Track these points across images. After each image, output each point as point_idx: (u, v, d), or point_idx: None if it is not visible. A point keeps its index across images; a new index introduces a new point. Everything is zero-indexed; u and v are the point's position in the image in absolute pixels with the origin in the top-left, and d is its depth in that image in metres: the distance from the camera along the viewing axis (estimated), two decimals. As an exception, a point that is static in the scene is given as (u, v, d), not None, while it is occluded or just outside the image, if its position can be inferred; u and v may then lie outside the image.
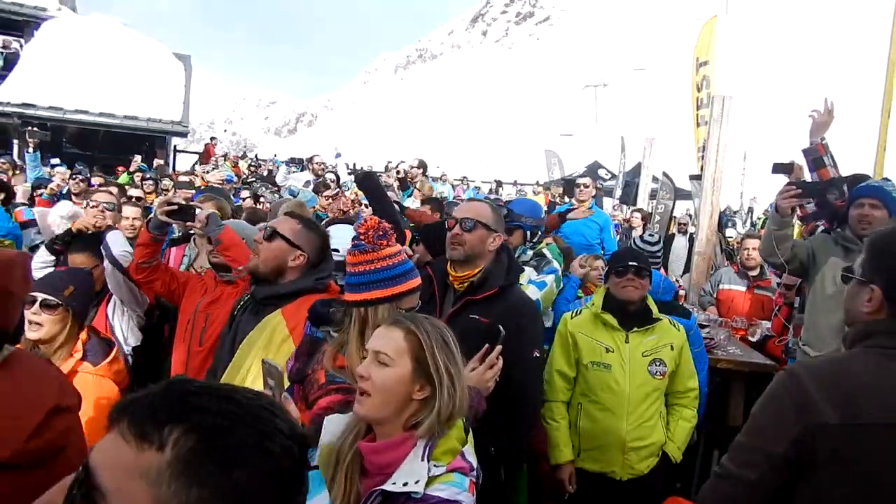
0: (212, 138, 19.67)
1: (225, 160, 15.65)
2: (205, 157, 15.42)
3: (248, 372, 2.15)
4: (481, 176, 24.43)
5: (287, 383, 1.84)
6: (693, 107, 9.44)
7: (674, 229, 9.83)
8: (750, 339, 4.30)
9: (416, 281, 1.94)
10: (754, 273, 4.96)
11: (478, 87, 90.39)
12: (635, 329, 2.97)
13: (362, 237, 1.87)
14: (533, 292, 3.53)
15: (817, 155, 3.72)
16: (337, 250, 3.17)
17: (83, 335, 2.50)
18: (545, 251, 3.84)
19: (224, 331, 2.58)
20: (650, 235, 4.28)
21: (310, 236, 2.51)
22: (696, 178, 7.20)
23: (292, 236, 2.44)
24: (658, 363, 2.94)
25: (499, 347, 1.98)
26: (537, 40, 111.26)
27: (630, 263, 2.98)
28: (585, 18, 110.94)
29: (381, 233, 1.86)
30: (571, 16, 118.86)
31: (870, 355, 1.51)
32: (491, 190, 21.20)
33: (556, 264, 3.77)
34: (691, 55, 9.83)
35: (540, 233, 3.90)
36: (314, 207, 6.01)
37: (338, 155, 9.36)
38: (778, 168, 3.76)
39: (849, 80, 59.37)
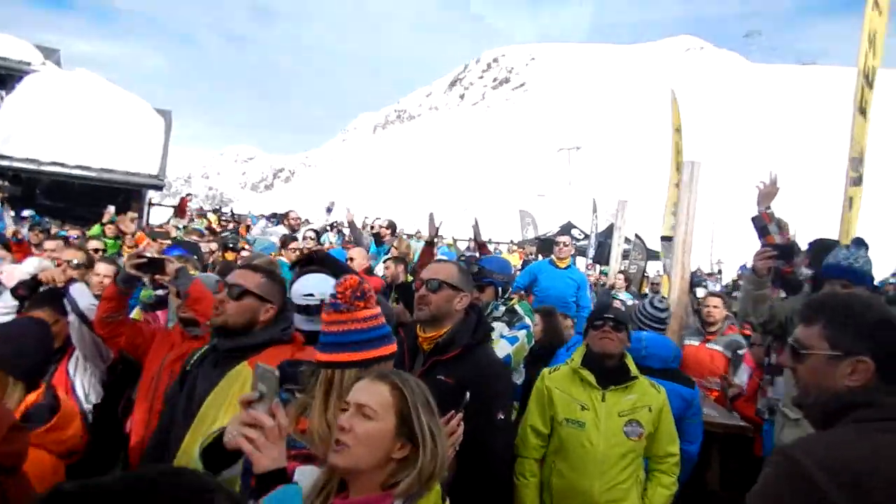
0: (188, 193, 19.67)
1: (202, 217, 15.63)
2: (179, 210, 15.37)
3: (215, 425, 2.06)
4: (459, 234, 24.64)
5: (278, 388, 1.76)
6: (672, 170, 9.76)
7: (646, 289, 9.95)
8: (728, 394, 4.32)
9: (391, 348, 1.87)
10: (712, 329, 5.03)
11: (454, 147, 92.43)
12: (612, 388, 2.93)
13: (339, 296, 1.80)
14: (504, 347, 3.51)
15: (763, 223, 3.98)
16: (312, 295, 3.19)
17: (31, 396, 2.24)
18: (517, 307, 3.85)
19: (174, 388, 2.46)
20: (661, 300, 4.21)
21: (275, 287, 2.47)
22: (667, 239, 7.35)
23: (261, 291, 2.40)
24: (634, 424, 2.88)
25: (460, 415, 1.92)
26: (513, 105, 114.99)
27: (607, 316, 2.98)
28: (559, 85, 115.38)
29: (359, 293, 1.80)
30: (546, 82, 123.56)
31: (866, 431, 1.42)
32: (469, 247, 21.34)
33: (527, 320, 3.77)
34: (659, 122, 10.24)
35: (511, 290, 3.93)
36: (273, 255, 6.03)
37: (329, 209, 9.33)
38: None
39: (814, 148, 62.16)
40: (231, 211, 21.99)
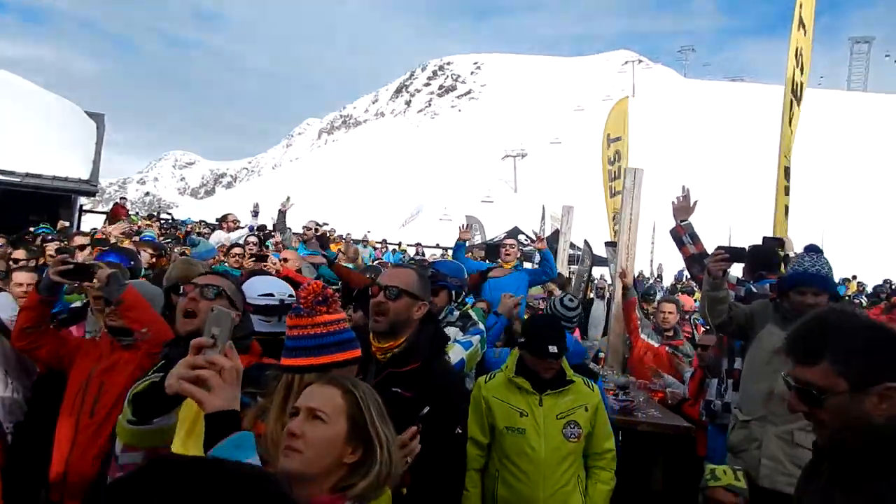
0: (121, 198, 18.91)
1: (149, 224, 14.99)
2: (113, 217, 14.74)
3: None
4: (405, 239, 24.56)
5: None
6: (605, 178, 10.01)
7: (592, 294, 10.15)
8: (669, 402, 4.42)
9: (353, 353, 1.84)
10: (669, 334, 5.24)
11: (401, 153, 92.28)
12: (549, 391, 2.95)
13: (301, 301, 1.80)
14: (458, 352, 3.47)
15: (679, 236, 4.24)
16: (271, 294, 3.05)
17: None
18: (471, 313, 3.82)
19: None
20: (570, 300, 4.35)
21: (239, 295, 2.36)
22: (612, 244, 7.52)
23: (234, 296, 2.29)
24: (573, 425, 2.92)
25: (414, 428, 1.89)
26: (459, 112, 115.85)
27: (551, 351, 2.88)
28: (504, 93, 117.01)
29: (320, 298, 1.79)
30: (491, 90, 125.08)
31: None
32: (417, 252, 21.30)
33: (481, 325, 3.75)
34: (602, 132, 10.52)
35: (463, 293, 3.89)
36: (214, 259, 5.83)
37: (255, 213, 9.04)
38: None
39: (743, 159, 65.15)
40: (172, 217, 21.26)
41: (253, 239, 7.29)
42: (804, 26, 6.11)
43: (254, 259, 5.85)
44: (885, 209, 41.66)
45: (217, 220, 9.30)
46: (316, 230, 7.93)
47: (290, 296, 3.09)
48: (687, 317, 7.04)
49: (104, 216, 16.56)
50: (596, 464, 3.02)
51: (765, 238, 4.12)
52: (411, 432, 1.88)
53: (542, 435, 2.88)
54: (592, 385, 3.11)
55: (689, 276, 4.99)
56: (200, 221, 17.15)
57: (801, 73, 6.14)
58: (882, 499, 1.28)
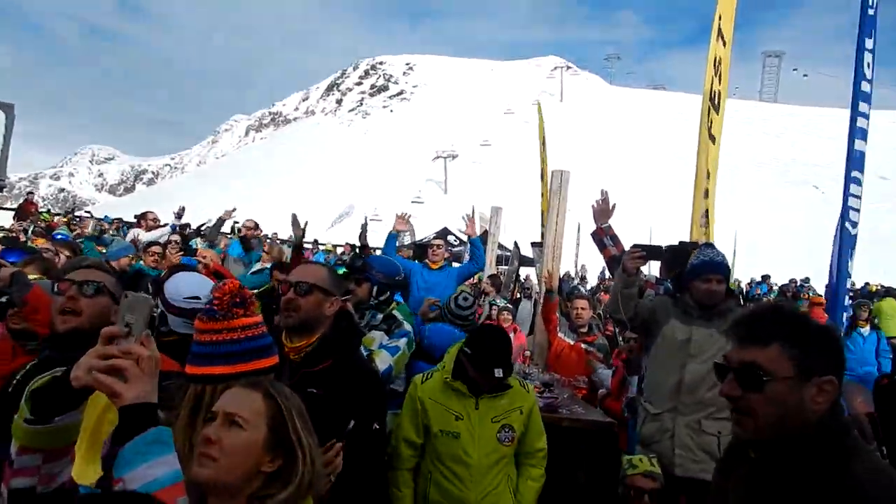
0: (29, 193, 17.70)
1: (66, 223, 14.04)
2: (22, 213, 13.81)
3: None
4: (333, 239, 24.19)
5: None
6: (540, 179, 10.20)
7: (518, 293, 10.29)
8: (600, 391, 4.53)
9: (271, 360, 1.72)
10: (583, 330, 5.32)
11: (332, 152, 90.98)
12: (485, 395, 2.92)
13: (216, 303, 1.65)
14: (385, 359, 3.40)
15: (600, 238, 4.40)
16: (197, 297, 2.89)
17: None
18: (395, 313, 3.73)
19: None
20: (464, 299, 4.39)
21: (121, 289, 2.14)
22: (538, 245, 7.64)
23: (115, 291, 2.04)
24: (507, 429, 2.90)
25: (340, 444, 1.83)
26: (391, 112, 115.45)
27: (496, 375, 2.82)
28: (437, 95, 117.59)
29: (237, 300, 1.65)
30: (424, 91, 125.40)
31: (869, 454, 1.33)
32: (346, 252, 20.99)
33: (407, 326, 3.68)
34: (533, 134, 10.71)
35: (388, 293, 3.79)
36: (130, 257, 5.52)
37: (179, 215, 8.60)
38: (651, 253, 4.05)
39: (668, 159, 68.17)
40: (90, 212, 20.09)
41: (175, 237, 6.94)
42: (723, 37, 6.39)
43: (182, 252, 5.61)
44: (792, 212, 44.67)
45: (136, 217, 8.76)
46: (240, 231, 7.64)
47: None
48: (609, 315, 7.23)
49: (13, 212, 15.52)
50: (527, 461, 3.02)
51: (681, 242, 4.29)
52: (336, 449, 1.80)
53: (477, 439, 2.86)
54: (529, 386, 3.11)
55: (610, 277, 5.19)
56: (116, 220, 16.27)
57: (720, 83, 6.43)
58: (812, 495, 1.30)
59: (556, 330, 5.35)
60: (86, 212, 21.10)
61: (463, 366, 2.92)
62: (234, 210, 8.59)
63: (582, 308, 5.38)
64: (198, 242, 10.01)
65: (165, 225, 8.46)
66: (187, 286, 2.84)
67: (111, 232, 12.98)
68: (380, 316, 3.69)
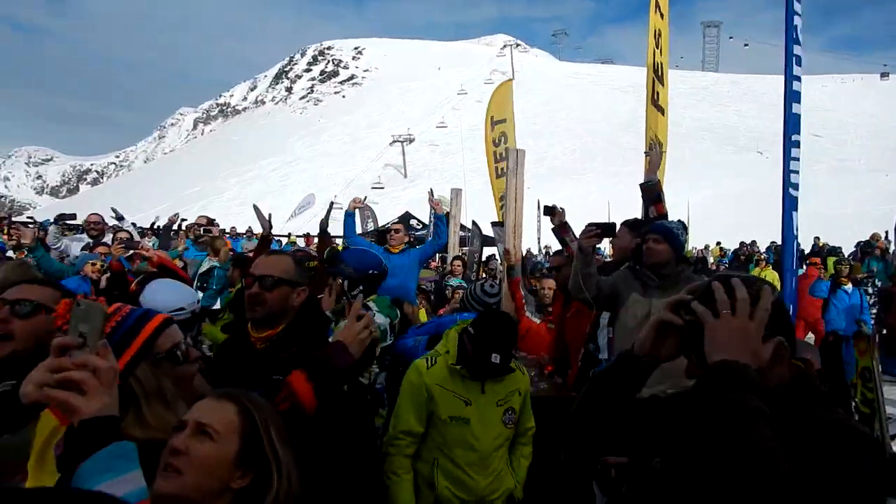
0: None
1: None
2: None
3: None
4: (294, 230, 23.82)
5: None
6: (490, 160, 10.22)
7: (483, 274, 10.37)
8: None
9: (157, 320, 1.59)
10: (550, 310, 5.36)
11: (285, 142, 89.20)
12: (489, 379, 2.88)
13: (65, 327, 1.53)
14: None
15: (561, 237, 4.44)
16: (182, 309, 2.82)
17: None
18: (370, 304, 3.54)
19: None
20: (491, 286, 4.38)
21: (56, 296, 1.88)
22: (498, 225, 7.68)
23: (51, 302, 1.82)
24: (510, 412, 2.92)
25: (360, 298, 1.86)
26: (343, 98, 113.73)
27: (493, 360, 2.78)
28: (389, 78, 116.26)
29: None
30: (375, 75, 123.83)
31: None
32: (307, 242, 20.71)
33: (381, 318, 3.47)
34: (485, 114, 10.70)
35: (361, 287, 3.64)
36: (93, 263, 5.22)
37: (120, 218, 8.21)
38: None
39: (620, 131, 69.24)
40: (33, 219, 19.21)
41: (123, 234, 6.67)
42: (660, 9, 6.52)
43: (123, 246, 5.31)
44: (740, 178, 46.02)
45: (84, 222, 8.34)
46: (208, 227, 7.40)
47: (198, 301, 2.94)
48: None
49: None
50: (520, 440, 3.06)
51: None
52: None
53: (485, 424, 2.82)
54: (524, 369, 3.11)
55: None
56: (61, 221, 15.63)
57: (661, 54, 6.56)
58: None
59: (524, 308, 5.40)
60: (28, 217, 20.21)
61: (465, 348, 2.88)
62: (178, 215, 8.37)
63: (549, 287, 5.39)
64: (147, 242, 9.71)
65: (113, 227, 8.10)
66: (166, 298, 2.77)
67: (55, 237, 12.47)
68: None
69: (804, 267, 8.99)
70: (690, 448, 1.36)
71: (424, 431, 2.85)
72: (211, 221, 7.74)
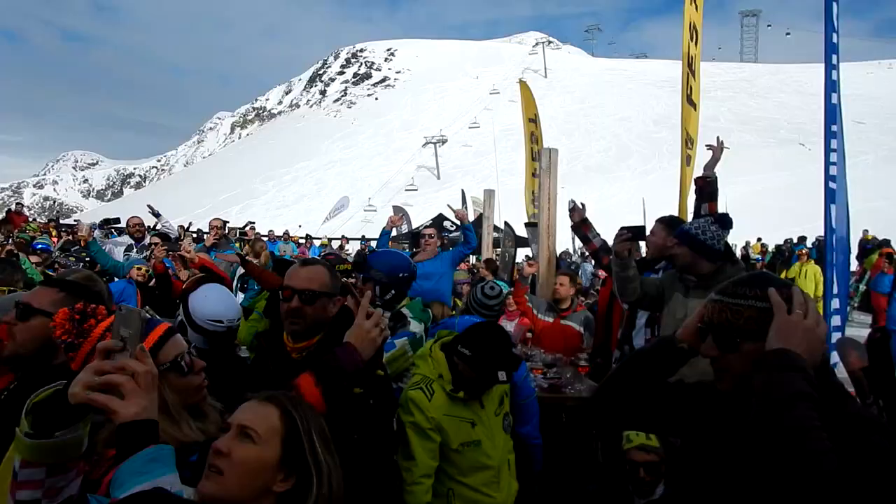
0: (17, 204, 17.54)
1: (45, 232, 13.90)
2: (10, 224, 13.64)
3: None
4: (331, 233, 24.13)
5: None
6: (528, 158, 10.20)
7: (516, 275, 10.35)
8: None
9: (159, 330, 1.63)
10: (564, 305, 5.29)
11: (319, 144, 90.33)
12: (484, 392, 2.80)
13: (65, 336, 1.55)
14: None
15: (583, 234, 4.34)
16: (220, 322, 2.85)
17: None
18: (404, 311, 3.49)
19: None
20: (490, 288, 4.28)
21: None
22: (532, 225, 7.66)
23: (54, 309, 1.86)
24: (507, 417, 2.89)
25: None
26: (376, 100, 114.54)
27: (500, 379, 2.67)
28: (421, 79, 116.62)
29: (78, 317, 1.56)
30: (408, 77, 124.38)
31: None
32: (341, 245, 21.00)
33: (414, 327, 3.41)
34: (521, 112, 10.69)
35: (393, 292, 3.47)
36: (144, 269, 5.41)
37: (157, 214, 8.53)
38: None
39: (656, 127, 68.01)
40: (77, 221, 19.96)
41: (157, 239, 6.93)
42: (696, 1, 6.41)
43: (166, 248, 5.53)
44: (784, 173, 44.74)
45: (126, 224, 8.65)
46: (222, 228, 7.61)
47: (239, 319, 2.96)
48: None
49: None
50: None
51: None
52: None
53: (493, 440, 2.76)
54: None
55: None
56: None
57: (696, 47, 6.46)
58: None
59: (531, 309, 5.30)
60: (74, 220, 20.92)
61: (457, 369, 2.73)
62: (158, 213, 8.51)
63: (560, 284, 5.28)
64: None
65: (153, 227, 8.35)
66: (212, 306, 2.82)
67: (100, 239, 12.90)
68: (387, 314, 3.42)
69: (861, 261, 8.68)
70: (729, 429, 1.38)
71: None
72: (224, 224, 7.93)
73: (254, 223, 16.88)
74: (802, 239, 20.79)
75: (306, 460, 1.35)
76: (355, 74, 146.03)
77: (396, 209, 22.03)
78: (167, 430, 1.51)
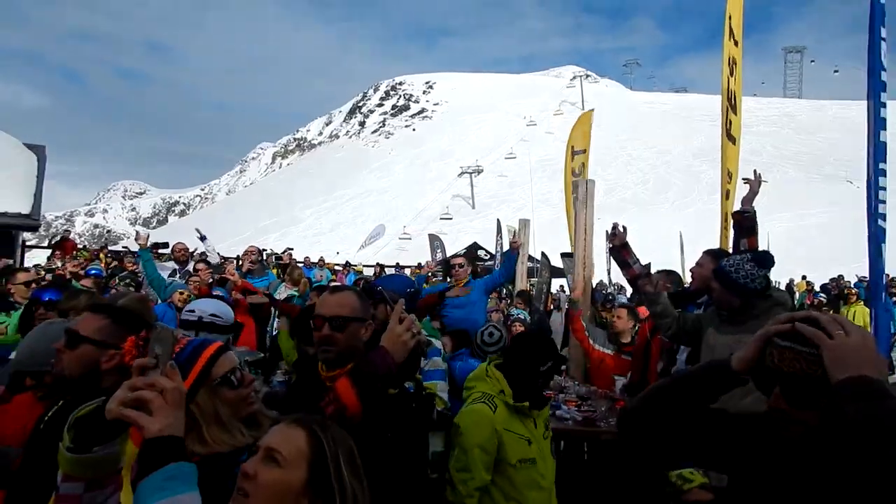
0: (65, 230, 18.29)
1: (96, 258, 14.44)
2: (63, 251, 14.18)
3: None
4: (366, 260, 24.39)
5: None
6: (569, 190, 10.16)
7: (551, 305, 10.25)
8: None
9: (212, 348, 1.67)
10: (625, 340, 5.26)
11: (357, 173, 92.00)
12: (534, 411, 2.83)
13: (132, 361, 1.55)
14: (443, 388, 3.37)
15: (623, 259, 4.24)
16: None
17: None
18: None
19: (24, 463, 1.90)
20: (489, 335, 4.33)
21: (121, 331, 1.99)
22: (568, 255, 7.61)
23: (99, 336, 1.97)
24: (553, 442, 2.94)
25: (401, 300, 1.94)
26: (413, 131, 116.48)
27: (542, 369, 2.79)
28: (458, 111, 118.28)
29: (142, 343, 1.61)
30: (445, 108, 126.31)
31: None
32: (375, 273, 21.15)
33: (436, 343, 3.63)
34: (564, 144, 10.68)
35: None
36: (185, 293, 5.56)
37: (203, 238, 8.77)
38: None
39: (696, 162, 67.21)
40: (126, 248, 20.60)
41: (202, 266, 7.11)
42: (734, 37, 6.39)
43: (210, 271, 5.73)
44: (827, 208, 43.54)
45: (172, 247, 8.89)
46: (261, 255, 7.78)
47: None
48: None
49: (48, 251, 15.95)
50: None
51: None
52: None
53: (545, 460, 2.76)
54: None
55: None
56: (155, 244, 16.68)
57: (735, 82, 6.41)
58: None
59: (587, 338, 5.30)
60: (122, 246, 21.62)
61: (515, 377, 2.81)
62: (203, 237, 8.73)
63: (618, 318, 5.29)
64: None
65: (202, 254, 8.58)
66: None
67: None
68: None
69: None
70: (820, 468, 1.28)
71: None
72: (259, 251, 8.10)
73: (292, 249, 17.14)
74: (840, 278, 20.11)
75: (332, 485, 1.33)
76: (394, 106, 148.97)
77: (432, 237, 22.18)
78: (222, 438, 1.57)
